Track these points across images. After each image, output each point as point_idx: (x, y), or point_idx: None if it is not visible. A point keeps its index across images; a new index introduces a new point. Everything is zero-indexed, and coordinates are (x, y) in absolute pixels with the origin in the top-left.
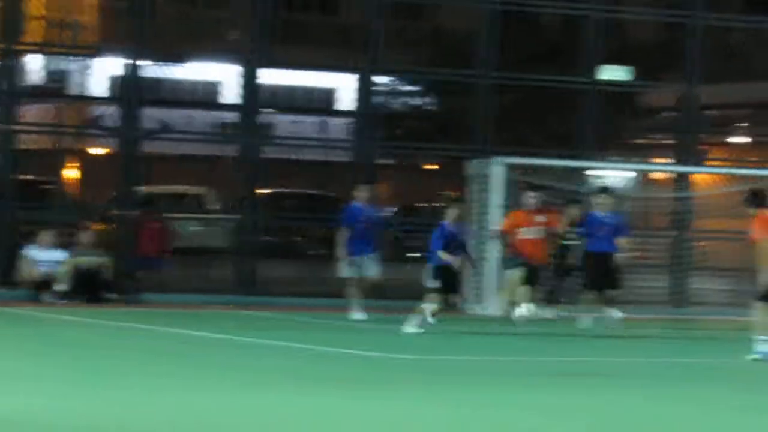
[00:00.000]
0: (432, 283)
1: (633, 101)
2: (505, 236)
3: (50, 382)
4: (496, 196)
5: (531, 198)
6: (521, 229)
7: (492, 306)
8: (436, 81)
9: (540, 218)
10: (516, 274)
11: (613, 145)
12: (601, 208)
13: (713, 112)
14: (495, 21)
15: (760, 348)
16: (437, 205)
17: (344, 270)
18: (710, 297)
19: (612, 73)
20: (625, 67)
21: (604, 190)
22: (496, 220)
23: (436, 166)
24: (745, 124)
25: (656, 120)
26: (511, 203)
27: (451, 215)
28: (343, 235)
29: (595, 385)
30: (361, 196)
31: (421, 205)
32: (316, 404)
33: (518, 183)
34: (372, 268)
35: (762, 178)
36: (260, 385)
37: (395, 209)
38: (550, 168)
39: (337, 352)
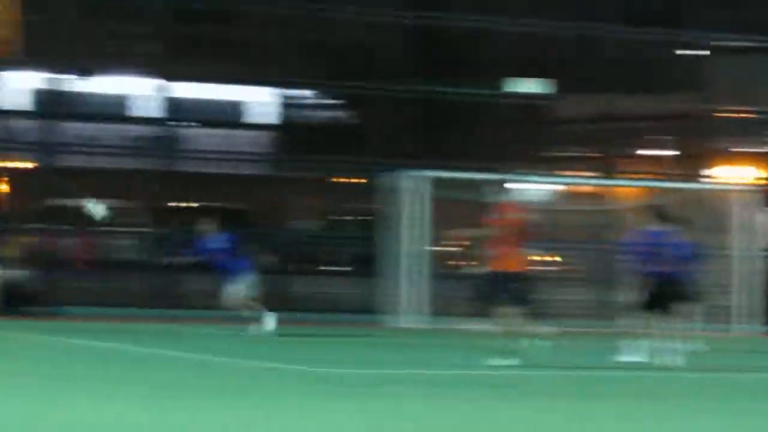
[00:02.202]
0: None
1: (545, 113)
2: None
3: None
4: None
5: None
6: None
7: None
8: (346, 94)
9: None
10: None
11: (526, 157)
12: None
13: (629, 123)
14: (405, 34)
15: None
16: (349, 218)
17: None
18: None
19: (523, 85)
20: (536, 80)
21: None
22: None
23: (345, 179)
24: (663, 136)
25: (571, 132)
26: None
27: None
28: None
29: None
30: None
31: (334, 218)
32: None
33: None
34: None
35: (675, 190)
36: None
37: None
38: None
39: (239, 363)
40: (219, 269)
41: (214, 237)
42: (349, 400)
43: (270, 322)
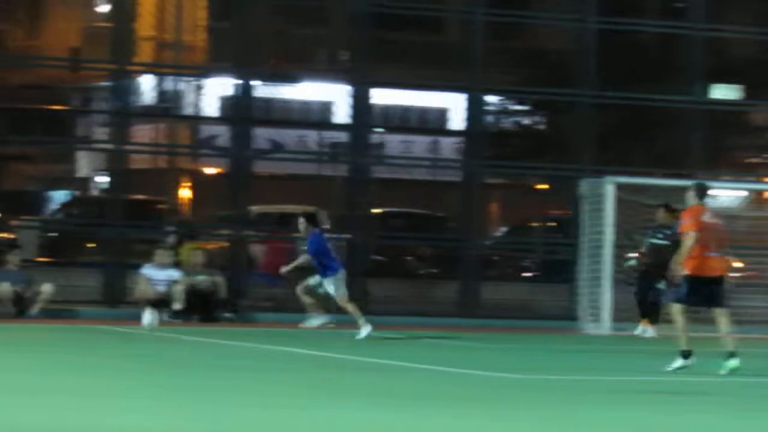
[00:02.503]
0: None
1: (741, 120)
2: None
3: (145, 399)
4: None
5: None
6: None
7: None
8: (539, 101)
9: None
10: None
11: (722, 164)
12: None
13: None
14: (596, 40)
15: None
16: (538, 223)
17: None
18: None
19: (719, 91)
20: (732, 86)
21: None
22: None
23: (543, 186)
24: None
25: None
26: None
27: None
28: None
29: (705, 404)
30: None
31: (530, 224)
32: (416, 422)
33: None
34: None
35: None
36: (360, 403)
37: (504, 229)
38: (658, 186)
39: (443, 370)
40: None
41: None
42: (571, 408)
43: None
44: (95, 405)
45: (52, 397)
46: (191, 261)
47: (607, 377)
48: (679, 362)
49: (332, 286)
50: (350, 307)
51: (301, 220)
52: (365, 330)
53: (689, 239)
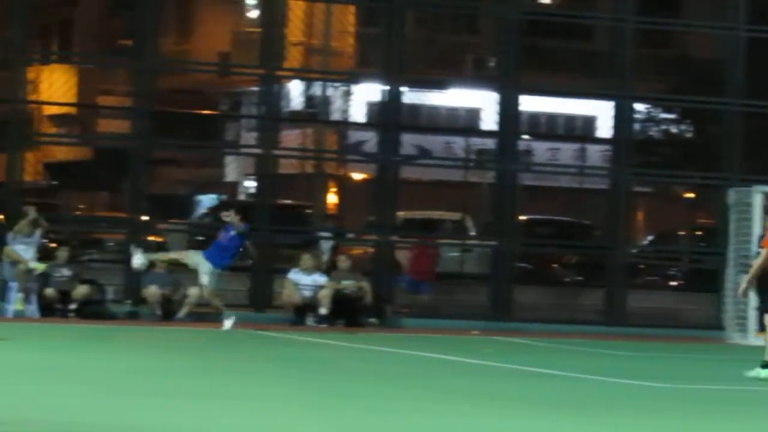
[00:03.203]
0: None
1: None
2: None
3: (279, 401)
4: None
5: None
6: None
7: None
8: (687, 109)
9: None
10: None
11: None
12: None
13: None
14: (745, 48)
15: None
16: (684, 232)
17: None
18: None
19: None
20: None
21: None
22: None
23: (690, 194)
24: None
25: None
26: None
27: None
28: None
29: None
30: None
31: (677, 233)
32: (562, 430)
33: None
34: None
35: None
36: (507, 410)
37: (650, 237)
38: None
39: (588, 378)
40: None
41: None
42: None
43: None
44: (248, 408)
45: (204, 402)
46: (341, 266)
47: (753, 387)
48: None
49: (208, 277)
50: (216, 301)
51: (227, 213)
52: (229, 322)
53: (762, 257)
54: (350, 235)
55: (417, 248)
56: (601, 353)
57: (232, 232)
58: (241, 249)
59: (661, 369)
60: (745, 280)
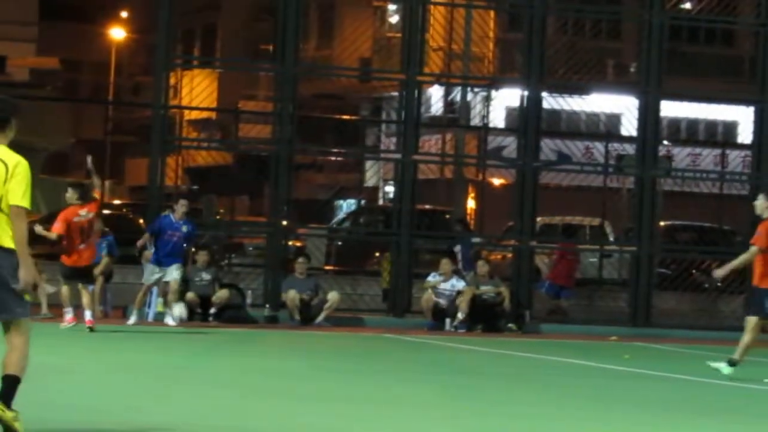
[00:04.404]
0: None
1: None
2: None
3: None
4: None
5: None
6: None
7: None
8: None
9: None
10: None
11: None
12: None
13: None
14: None
15: None
16: None
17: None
18: None
19: None
20: None
21: None
22: None
23: None
24: None
25: None
26: None
27: None
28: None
29: None
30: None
31: None
32: None
33: None
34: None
35: None
36: (662, 417)
37: None
38: None
39: (732, 385)
40: None
41: None
42: None
43: None
44: (395, 413)
45: (349, 405)
46: (480, 271)
47: None
48: None
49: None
50: (139, 295)
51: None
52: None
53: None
54: (487, 241)
55: (557, 254)
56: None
57: None
58: None
59: None
60: (727, 267)
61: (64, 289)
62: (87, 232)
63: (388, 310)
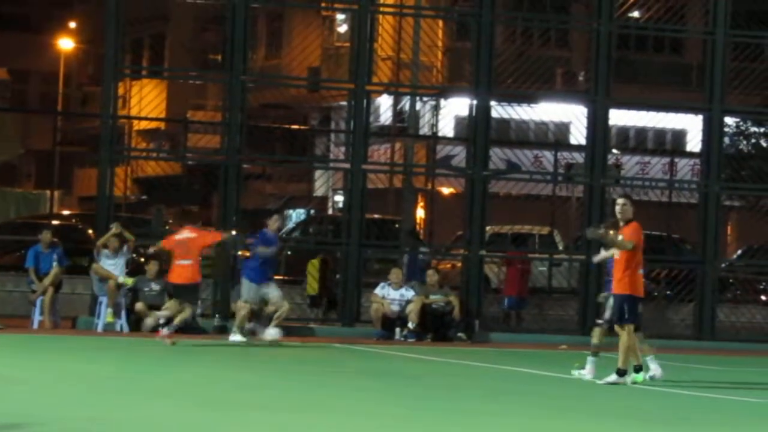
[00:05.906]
0: None
1: None
2: None
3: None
4: None
5: None
6: None
7: None
8: None
9: None
10: None
11: None
12: None
13: None
14: None
15: None
16: None
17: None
18: None
19: None
20: None
21: None
22: None
23: None
24: None
25: None
26: None
27: None
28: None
29: None
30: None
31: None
32: None
33: None
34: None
35: None
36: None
37: (740, 251)
38: None
39: (684, 394)
40: None
41: None
42: None
43: None
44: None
45: (285, 414)
46: (429, 280)
47: None
48: None
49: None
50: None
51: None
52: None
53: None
54: (436, 250)
55: (506, 263)
56: (692, 367)
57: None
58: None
59: (755, 383)
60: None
61: None
62: None
63: (338, 319)
